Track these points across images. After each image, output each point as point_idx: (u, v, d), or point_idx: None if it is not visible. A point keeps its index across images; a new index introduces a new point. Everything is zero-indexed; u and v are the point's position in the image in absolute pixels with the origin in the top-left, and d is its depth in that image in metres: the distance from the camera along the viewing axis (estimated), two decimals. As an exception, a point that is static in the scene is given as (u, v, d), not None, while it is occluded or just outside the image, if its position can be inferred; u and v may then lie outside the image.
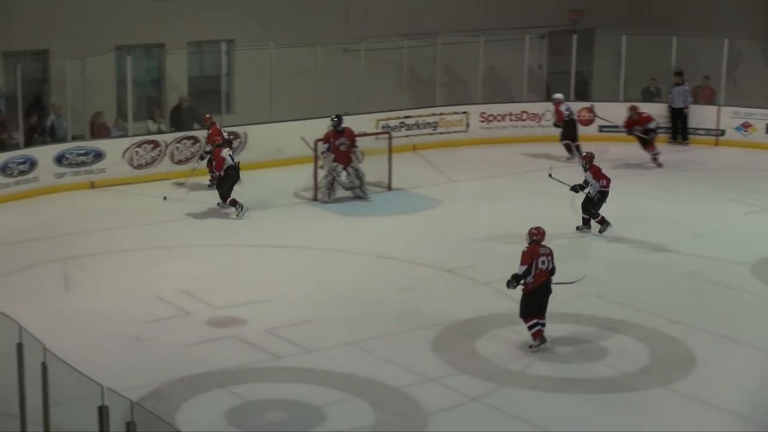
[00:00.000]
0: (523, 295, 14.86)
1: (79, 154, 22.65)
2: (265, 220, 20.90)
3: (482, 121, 27.98)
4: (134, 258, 18.59)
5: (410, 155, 26.35)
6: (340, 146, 21.96)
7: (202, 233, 20.01)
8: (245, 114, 25.60)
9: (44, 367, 9.42)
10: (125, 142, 23.43)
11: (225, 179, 21.08)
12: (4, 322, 10.12)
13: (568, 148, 26.04)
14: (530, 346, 14.79)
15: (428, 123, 27.37)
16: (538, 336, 14.81)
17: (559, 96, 26.23)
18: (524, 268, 14.67)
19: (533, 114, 28.31)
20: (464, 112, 27.86)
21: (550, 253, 14.83)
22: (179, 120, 24.99)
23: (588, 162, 20.33)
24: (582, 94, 29.60)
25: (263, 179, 23.37)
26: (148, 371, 13.87)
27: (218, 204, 21.29)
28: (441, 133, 27.50)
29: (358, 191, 22.17)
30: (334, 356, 14.59)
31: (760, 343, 15.42)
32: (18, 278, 17.46)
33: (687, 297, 17.33)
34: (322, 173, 22.17)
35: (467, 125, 27.84)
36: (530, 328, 14.80)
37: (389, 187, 22.96)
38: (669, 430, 12.87)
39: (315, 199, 22.20)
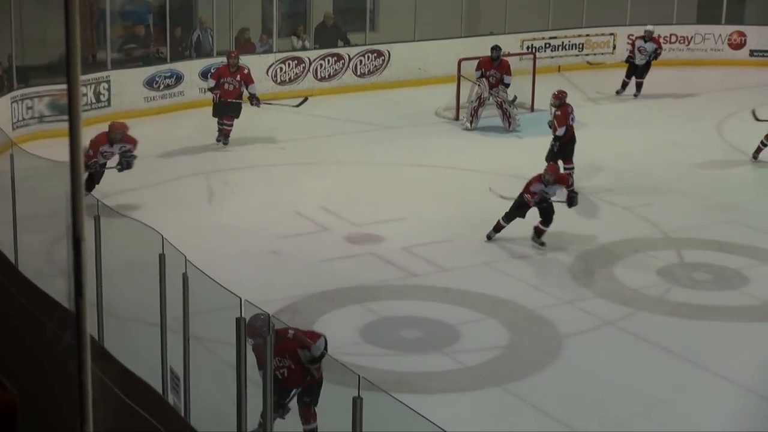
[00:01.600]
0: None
1: (224, 70, 22.87)
2: (405, 139, 20.89)
3: (629, 43, 27.41)
4: (275, 173, 18.80)
5: (555, 76, 25.98)
6: (491, 77, 21.69)
7: (342, 150, 20.10)
8: (389, 32, 25.53)
9: (185, 278, 9.59)
10: (270, 59, 23.60)
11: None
12: (147, 234, 10.31)
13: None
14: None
15: (574, 44, 26.95)
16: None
17: (650, 29, 24.62)
18: (563, 129, 17.38)
19: (682, 37, 27.63)
20: (611, 34, 27.33)
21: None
22: (324, 37, 25.03)
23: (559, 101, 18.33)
24: (735, 17, 28.73)
25: (405, 98, 23.34)
26: (286, 285, 14.06)
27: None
28: (587, 54, 27.05)
29: (508, 109, 21.53)
30: (470, 276, 14.60)
31: None
32: (161, 191, 17.77)
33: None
34: (465, 95, 21.95)
35: (614, 47, 27.32)
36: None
37: (532, 108, 22.70)
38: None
39: (456, 118, 22.09)
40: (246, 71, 20.17)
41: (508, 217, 15.54)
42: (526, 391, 11.66)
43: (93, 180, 16.13)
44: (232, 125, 19.91)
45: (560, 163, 17.61)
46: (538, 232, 15.54)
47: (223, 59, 20.99)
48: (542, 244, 15.49)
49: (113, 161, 16.54)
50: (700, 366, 12.32)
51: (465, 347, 12.64)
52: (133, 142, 16.60)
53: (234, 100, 19.86)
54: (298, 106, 20.57)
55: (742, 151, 20.11)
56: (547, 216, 15.46)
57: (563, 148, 18.07)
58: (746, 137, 19.79)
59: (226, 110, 19.91)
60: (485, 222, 16.35)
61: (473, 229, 16.20)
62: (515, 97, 21.56)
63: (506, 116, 21.47)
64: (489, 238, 15.63)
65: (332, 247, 15.52)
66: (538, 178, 15.34)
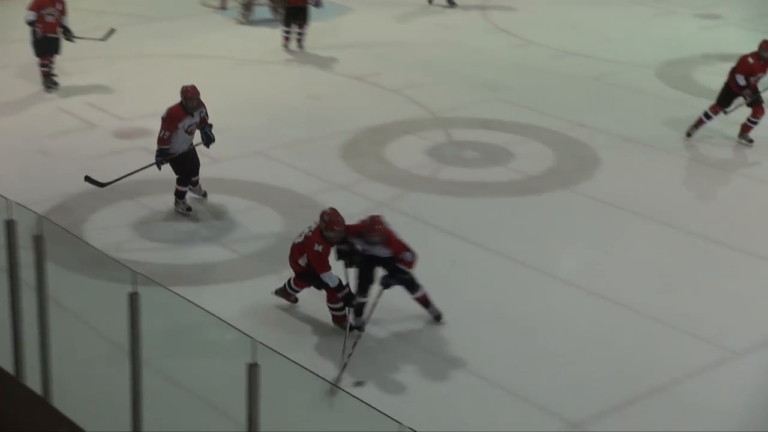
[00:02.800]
0: None
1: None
2: (169, 30, 20.55)
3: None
4: (35, 71, 18.20)
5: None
6: None
7: (106, 44, 19.59)
8: None
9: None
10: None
11: None
12: None
13: None
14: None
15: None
16: None
17: None
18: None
19: None
20: None
21: None
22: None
23: None
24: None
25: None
26: (55, 184, 13.75)
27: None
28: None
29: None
30: (243, 165, 14.58)
31: (661, 143, 15.70)
32: None
33: (592, 100, 17.54)
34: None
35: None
36: None
37: None
38: (576, 227, 13.13)
39: (223, 7, 21.82)
40: None
41: None
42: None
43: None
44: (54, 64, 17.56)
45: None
46: None
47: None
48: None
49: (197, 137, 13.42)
50: (471, 241, 12.66)
51: (241, 236, 12.65)
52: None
53: (54, 35, 17.22)
54: (104, 39, 18.69)
55: (504, 30, 20.57)
56: None
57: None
58: (507, 16, 20.22)
59: (50, 48, 17.32)
60: (255, 111, 16.34)
61: (243, 118, 16.15)
62: None
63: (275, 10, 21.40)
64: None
65: (101, 143, 15.23)
66: None
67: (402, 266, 10.27)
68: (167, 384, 9.36)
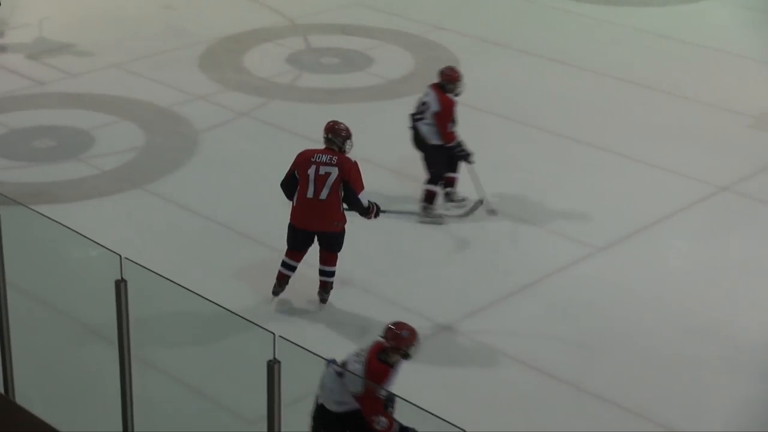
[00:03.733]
0: None
1: None
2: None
3: None
4: None
5: None
6: None
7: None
8: None
9: None
10: None
11: None
12: None
13: None
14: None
15: None
16: None
17: None
18: None
19: None
20: None
21: None
22: None
23: None
24: None
25: None
26: None
27: None
28: None
29: None
30: (101, 79, 14.34)
31: (520, 43, 15.86)
32: None
33: (450, 3, 17.57)
34: None
35: None
36: None
37: None
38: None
39: None
40: None
41: None
42: (167, 189, 11.66)
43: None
44: None
45: None
46: None
47: None
48: None
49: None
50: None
51: (101, 152, 12.47)
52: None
53: None
54: None
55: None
56: None
57: None
58: None
59: None
60: (110, 22, 16.05)
61: (99, 31, 15.85)
62: None
63: None
64: None
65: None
66: None
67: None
68: (36, 305, 9.28)
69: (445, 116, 11.04)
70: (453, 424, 5.50)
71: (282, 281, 9.65)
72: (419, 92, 13.94)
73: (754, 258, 10.77)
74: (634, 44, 16.18)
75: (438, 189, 11.29)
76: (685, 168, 12.45)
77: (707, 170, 12.40)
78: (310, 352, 6.01)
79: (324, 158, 9.34)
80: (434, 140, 11.10)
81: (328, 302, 9.66)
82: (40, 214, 8.13)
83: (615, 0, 17.85)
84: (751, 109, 14.06)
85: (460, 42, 15.78)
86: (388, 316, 8.12)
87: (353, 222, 9.59)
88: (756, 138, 13.36)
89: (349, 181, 9.32)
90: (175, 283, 6.53)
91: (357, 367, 7.25)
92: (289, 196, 9.47)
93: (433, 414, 5.78)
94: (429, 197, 11.25)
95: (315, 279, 9.61)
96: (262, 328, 5.85)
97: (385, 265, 10.43)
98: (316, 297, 9.65)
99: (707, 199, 11.84)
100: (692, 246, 11.10)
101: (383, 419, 7.15)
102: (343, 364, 7.27)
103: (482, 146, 12.03)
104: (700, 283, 10.35)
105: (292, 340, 5.79)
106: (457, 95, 11.19)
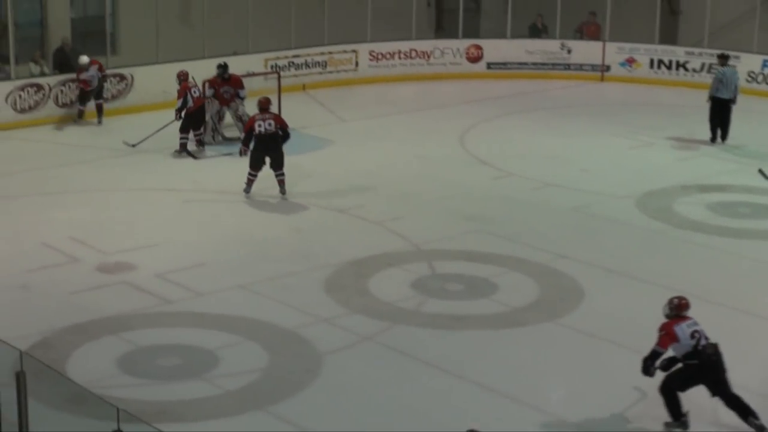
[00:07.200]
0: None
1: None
2: (151, 163, 20.64)
3: (371, 60, 27.93)
4: (19, 205, 18.24)
5: (300, 95, 26.22)
6: (224, 94, 21.75)
7: (87, 178, 19.69)
8: (131, 55, 25.20)
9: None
10: (8, 86, 22.92)
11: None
12: None
13: None
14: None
15: (317, 62, 27.23)
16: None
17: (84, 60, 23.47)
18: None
19: (422, 52, 28.33)
20: (353, 51, 27.76)
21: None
22: (63, 62, 24.46)
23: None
24: (471, 32, 29.59)
25: (150, 122, 23.03)
26: (37, 320, 13.66)
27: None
28: (330, 72, 27.39)
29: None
30: (226, 299, 14.52)
31: (644, 274, 15.70)
32: None
33: (573, 231, 17.58)
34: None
35: (356, 64, 27.76)
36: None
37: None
38: (562, 362, 13.06)
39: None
40: None
41: None
42: (289, 412, 11.64)
43: None
44: None
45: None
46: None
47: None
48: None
49: None
50: (458, 376, 12.57)
51: (225, 372, 12.54)
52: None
53: None
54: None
55: (483, 162, 20.75)
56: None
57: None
58: (487, 148, 20.41)
59: None
60: (238, 243, 16.36)
61: (227, 251, 16.16)
62: None
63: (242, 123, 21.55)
64: None
65: (83, 277, 15.15)
66: None
67: None
68: None
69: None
70: None
71: None
72: (544, 321, 13.94)
73: None
74: (763, 277, 15.93)
75: None
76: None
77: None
78: None
79: None
80: None
81: None
82: (163, 433, 8.16)
83: (745, 233, 17.63)
84: None
85: (584, 270, 15.70)
86: None
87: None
88: None
89: None
90: None
91: None
92: None
93: None
94: None
95: None
96: None
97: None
98: None
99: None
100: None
101: None
102: None
103: (605, 376, 11.79)
104: None
105: None
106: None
